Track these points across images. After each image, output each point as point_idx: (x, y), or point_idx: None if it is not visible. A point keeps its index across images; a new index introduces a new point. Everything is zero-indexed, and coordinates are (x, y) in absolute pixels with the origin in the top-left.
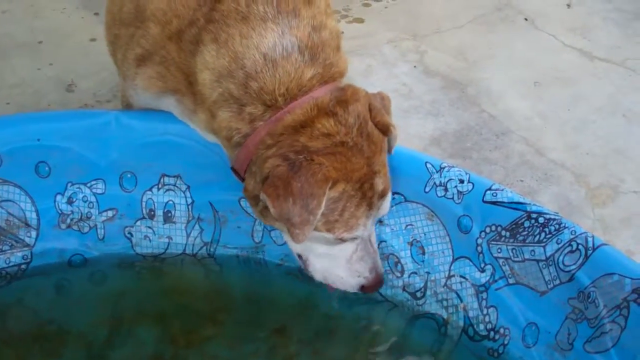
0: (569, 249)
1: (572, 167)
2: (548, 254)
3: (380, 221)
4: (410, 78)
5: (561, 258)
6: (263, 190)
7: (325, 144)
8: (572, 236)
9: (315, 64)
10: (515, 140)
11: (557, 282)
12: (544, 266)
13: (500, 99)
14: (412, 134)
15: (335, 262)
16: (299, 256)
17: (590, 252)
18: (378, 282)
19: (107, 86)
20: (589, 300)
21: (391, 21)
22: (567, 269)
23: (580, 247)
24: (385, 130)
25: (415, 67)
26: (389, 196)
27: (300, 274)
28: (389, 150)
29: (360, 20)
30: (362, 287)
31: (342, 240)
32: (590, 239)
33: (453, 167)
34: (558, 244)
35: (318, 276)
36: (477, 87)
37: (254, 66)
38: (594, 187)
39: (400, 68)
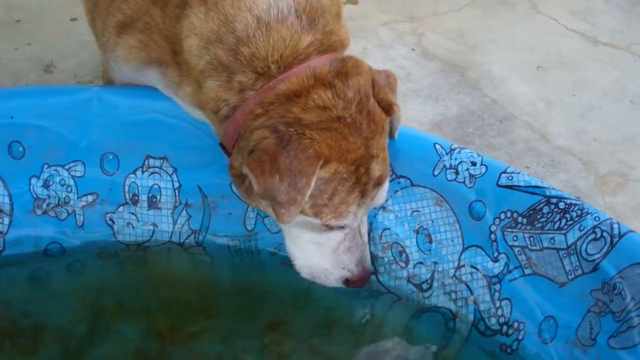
0: (592, 236)
1: (580, 154)
2: (569, 242)
3: (383, 207)
4: (408, 61)
5: (584, 246)
6: (247, 163)
7: (319, 117)
8: (595, 222)
9: (313, 30)
10: (519, 126)
11: (579, 272)
12: (565, 255)
13: (502, 84)
14: (412, 118)
15: (321, 252)
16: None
17: (616, 239)
18: (364, 277)
19: (88, 67)
20: (615, 291)
21: (386, 2)
22: (591, 258)
23: (605, 234)
24: (388, 109)
25: (412, 50)
26: (386, 185)
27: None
28: (392, 134)
29: (353, 2)
30: (347, 281)
31: (330, 228)
32: (615, 226)
33: (464, 148)
34: (580, 231)
35: (305, 272)
36: (477, 71)
37: (246, 30)
38: (603, 175)
39: (397, 51)
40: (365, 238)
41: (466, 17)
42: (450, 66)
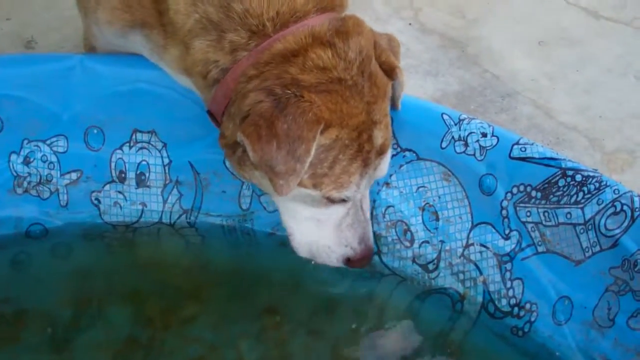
0: (612, 210)
1: (585, 131)
2: (587, 216)
3: (387, 183)
4: (406, 36)
5: (603, 221)
6: (241, 130)
7: (319, 78)
8: (615, 196)
9: None
10: (522, 102)
11: (597, 249)
12: (582, 231)
13: (503, 59)
14: (411, 94)
15: (321, 228)
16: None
17: (638, 213)
18: (367, 255)
19: (70, 43)
20: (636, 269)
21: None
22: (610, 233)
23: (625, 207)
24: (390, 72)
25: (410, 24)
26: (389, 155)
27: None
28: (395, 104)
29: None
30: (348, 260)
31: (331, 201)
32: (636, 199)
33: (474, 118)
34: (599, 204)
35: (303, 250)
36: (477, 46)
37: None
38: (609, 152)
39: (394, 25)
40: (368, 214)
41: None
42: (449, 41)
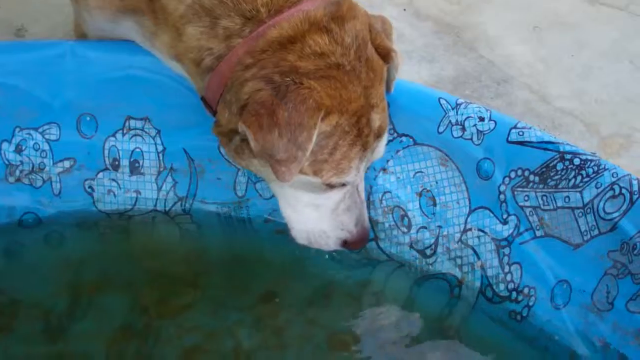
0: (610, 193)
1: (581, 115)
2: (586, 200)
3: (383, 169)
4: (400, 22)
5: (601, 204)
6: (242, 120)
7: (317, 65)
8: (613, 179)
9: None
10: (517, 87)
11: (596, 232)
12: (580, 214)
13: (498, 44)
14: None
15: (319, 213)
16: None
17: (636, 196)
18: (364, 236)
19: (61, 31)
20: (635, 252)
21: None
22: (609, 216)
23: (624, 191)
24: (386, 55)
25: (404, 10)
26: (386, 137)
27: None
28: (388, 87)
29: None
30: (345, 243)
31: (330, 187)
32: (635, 182)
33: (471, 103)
34: (597, 188)
35: (301, 237)
36: (472, 32)
37: None
38: (605, 136)
39: (388, 11)
40: (363, 195)
41: None
42: (444, 26)
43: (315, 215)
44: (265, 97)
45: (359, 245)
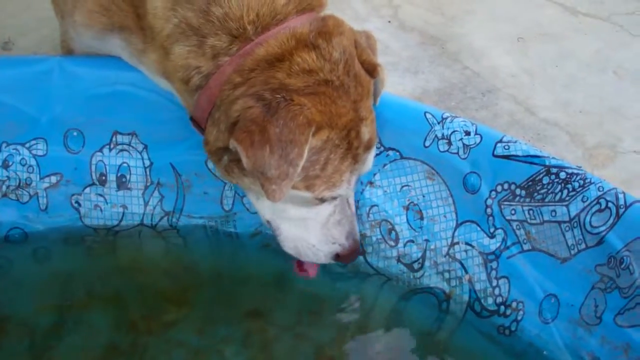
0: (596, 207)
1: (566, 126)
2: (572, 214)
3: (370, 182)
4: (385, 34)
5: (588, 218)
6: (234, 137)
7: (306, 82)
8: (599, 193)
9: None
10: (502, 99)
11: (583, 246)
12: (567, 228)
13: (483, 56)
14: (391, 92)
15: (308, 228)
16: (268, 222)
17: (622, 210)
18: (355, 249)
19: (48, 44)
20: (622, 266)
21: None
22: (595, 230)
23: (610, 205)
24: (372, 70)
25: (389, 22)
26: (374, 149)
27: (278, 246)
28: (375, 99)
29: None
30: (337, 256)
31: (321, 201)
32: (621, 196)
33: (457, 117)
34: (584, 202)
35: (289, 247)
36: (457, 43)
37: None
38: (591, 147)
39: (373, 23)
40: (354, 208)
41: None
42: (429, 38)
43: (305, 229)
44: (257, 114)
45: (351, 258)
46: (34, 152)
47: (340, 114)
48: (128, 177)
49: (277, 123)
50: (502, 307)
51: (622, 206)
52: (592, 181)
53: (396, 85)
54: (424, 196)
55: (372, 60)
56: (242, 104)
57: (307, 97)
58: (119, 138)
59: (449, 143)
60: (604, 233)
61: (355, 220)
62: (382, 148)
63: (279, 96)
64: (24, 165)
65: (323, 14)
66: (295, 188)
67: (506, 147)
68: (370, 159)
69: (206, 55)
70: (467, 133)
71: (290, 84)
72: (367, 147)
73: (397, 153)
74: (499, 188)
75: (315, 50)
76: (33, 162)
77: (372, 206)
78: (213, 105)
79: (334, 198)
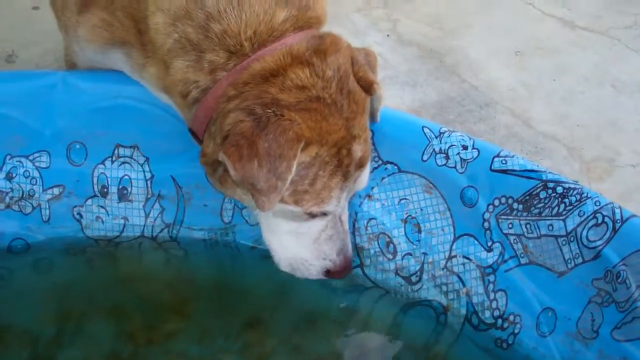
0: (593, 222)
1: (564, 140)
2: (569, 228)
3: (369, 195)
4: (384, 47)
5: (584, 233)
6: (222, 149)
7: (298, 98)
8: (596, 207)
9: (289, 5)
10: (500, 112)
11: (580, 260)
12: (564, 243)
13: (481, 69)
14: (390, 105)
15: (301, 243)
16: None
17: (619, 225)
18: (346, 266)
19: (51, 57)
20: (619, 280)
21: None
22: (592, 245)
23: (606, 219)
24: (368, 88)
25: (388, 36)
26: (368, 168)
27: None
28: (374, 117)
29: None
30: (328, 272)
31: (311, 216)
32: (617, 210)
33: (454, 131)
34: (580, 216)
35: (284, 265)
36: (455, 57)
37: (216, 5)
38: (588, 161)
39: (372, 37)
40: (346, 225)
41: (441, 2)
42: (427, 52)
43: (297, 244)
44: (246, 128)
45: (342, 275)
46: (37, 164)
47: (330, 131)
48: (129, 189)
49: (266, 138)
50: (500, 320)
51: (618, 221)
52: (589, 196)
53: (395, 98)
54: (421, 209)
55: (369, 77)
56: (234, 118)
57: (298, 113)
58: (121, 151)
59: (447, 157)
60: (600, 247)
61: (347, 237)
62: (380, 162)
63: (269, 111)
64: (27, 177)
65: (322, 32)
66: (285, 202)
67: (503, 161)
68: (363, 177)
69: (204, 70)
70: (465, 147)
71: (282, 99)
72: (360, 166)
73: (395, 167)
74: (497, 202)
75: (309, 67)
76: (36, 174)
77: (370, 219)
78: (210, 118)
79: (324, 214)
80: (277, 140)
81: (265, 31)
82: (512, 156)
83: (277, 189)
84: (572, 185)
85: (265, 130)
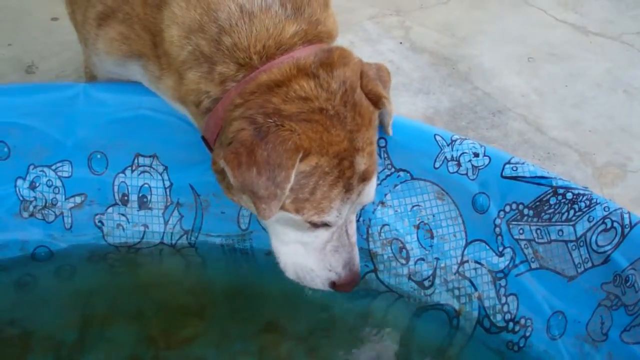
0: (602, 227)
1: (576, 146)
2: (578, 233)
3: (382, 202)
4: (397, 55)
5: (594, 238)
6: (223, 156)
7: (300, 108)
8: (605, 213)
9: (298, 20)
10: (512, 118)
11: (589, 265)
12: (574, 247)
13: (493, 76)
14: (403, 112)
15: (306, 252)
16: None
17: (628, 230)
18: (352, 280)
19: (70, 67)
20: (627, 284)
21: None
22: (601, 249)
23: (615, 224)
24: (376, 101)
25: (401, 43)
26: (374, 181)
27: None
28: (386, 131)
29: None
30: (333, 284)
31: (314, 225)
32: (626, 216)
33: (466, 139)
34: (590, 222)
35: (290, 272)
36: (468, 64)
37: (229, 19)
38: (600, 166)
39: (385, 44)
40: (354, 239)
41: (453, 9)
42: (440, 59)
43: (303, 253)
44: (246, 136)
45: (347, 289)
46: (59, 173)
47: (332, 142)
48: (149, 197)
49: (265, 147)
50: (511, 324)
51: (627, 226)
52: (598, 201)
53: (408, 105)
54: (434, 216)
55: (377, 91)
56: (237, 126)
57: (299, 124)
58: (141, 160)
59: (458, 164)
60: (609, 252)
61: (355, 250)
62: (393, 169)
63: (270, 120)
64: (50, 187)
65: (332, 46)
66: (286, 209)
67: (514, 168)
68: (368, 190)
69: (215, 81)
70: (476, 155)
71: (284, 110)
72: (363, 179)
73: (408, 174)
74: (508, 208)
75: (314, 79)
76: (59, 183)
77: (384, 225)
78: (220, 127)
79: (327, 225)
80: (276, 149)
81: (274, 45)
82: (523, 163)
83: (276, 197)
84: (581, 191)
85: (265, 140)
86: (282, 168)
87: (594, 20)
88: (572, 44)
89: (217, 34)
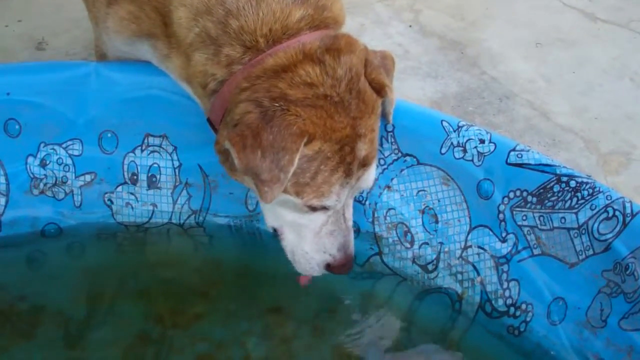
0: (604, 215)
1: (581, 132)
2: (580, 221)
3: (388, 186)
4: (406, 38)
5: (595, 226)
6: (228, 137)
7: (306, 94)
8: (607, 201)
9: (305, 5)
10: (519, 104)
11: (590, 252)
12: (576, 235)
13: (501, 61)
14: (411, 96)
15: (303, 234)
16: (272, 228)
17: (629, 218)
18: (346, 262)
19: (80, 44)
20: (627, 272)
21: None
22: (603, 237)
23: (617, 213)
24: (379, 90)
25: (410, 26)
26: (373, 167)
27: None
28: (386, 119)
29: None
30: (328, 266)
31: (312, 209)
32: (628, 205)
33: (472, 125)
34: (592, 210)
35: (287, 252)
36: (476, 48)
37: (236, 2)
38: (605, 154)
39: (394, 27)
40: (350, 223)
41: None
42: (449, 43)
43: (298, 235)
44: (253, 119)
45: (342, 271)
46: (70, 152)
47: (335, 128)
48: (158, 177)
49: (271, 130)
50: (512, 309)
51: (628, 214)
52: (601, 190)
53: (416, 89)
54: (439, 201)
55: (381, 79)
56: (243, 108)
57: (304, 109)
58: (151, 140)
59: (464, 150)
60: (610, 240)
61: (350, 234)
62: (399, 154)
63: (276, 105)
64: (60, 165)
65: (338, 32)
66: (287, 192)
67: (519, 155)
68: (367, 176)
69: (221, 63)
70: (482, 141)
71: (290, 94)
72: (363, 164)
73: (414, 159)
74: (512, 195)
75: (319, 65)
76: (69, 161)
77: (389, 209)
78: (225, 109)
79: (325, 208)
80: (281, 133)
81: (280, 29)
82: (528, 150)
83: (279, 181)
84: (585, 180)
85: (271, 123)
86: (286, 152)
87: (603, 6)
88: (580, 30)
89: (224, 16)
